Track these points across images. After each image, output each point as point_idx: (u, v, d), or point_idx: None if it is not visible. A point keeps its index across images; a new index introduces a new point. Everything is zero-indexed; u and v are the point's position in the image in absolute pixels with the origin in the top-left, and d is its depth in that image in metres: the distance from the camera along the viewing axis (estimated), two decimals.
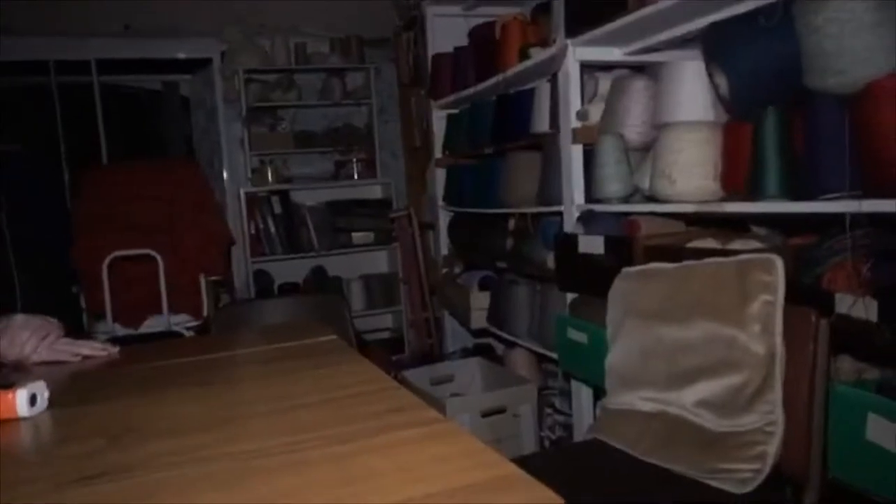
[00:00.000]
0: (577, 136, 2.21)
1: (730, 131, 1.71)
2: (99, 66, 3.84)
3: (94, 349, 1.32)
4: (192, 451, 0.76)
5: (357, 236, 4.22)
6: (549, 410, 2.71)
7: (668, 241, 1.82)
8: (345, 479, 0.66)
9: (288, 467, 0.70)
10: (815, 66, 1.41)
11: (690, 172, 1.75)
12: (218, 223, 3.43)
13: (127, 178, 3.31)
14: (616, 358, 1.70)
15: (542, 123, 2.48)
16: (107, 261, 2.96)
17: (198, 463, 0.73)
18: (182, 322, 3.15)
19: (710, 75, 1.74)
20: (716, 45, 1.68)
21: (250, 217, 3.98)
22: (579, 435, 2.29)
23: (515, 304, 2.76)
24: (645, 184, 1.95)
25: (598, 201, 2.12)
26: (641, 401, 1.60)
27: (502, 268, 2.94)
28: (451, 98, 3.26)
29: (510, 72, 2.62)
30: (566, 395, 2.57)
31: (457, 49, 3.21)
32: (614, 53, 2.19)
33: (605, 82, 2.24)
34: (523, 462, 0.65)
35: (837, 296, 1.33)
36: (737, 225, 1.90)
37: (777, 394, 1.33)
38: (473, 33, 3.05)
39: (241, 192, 3.96)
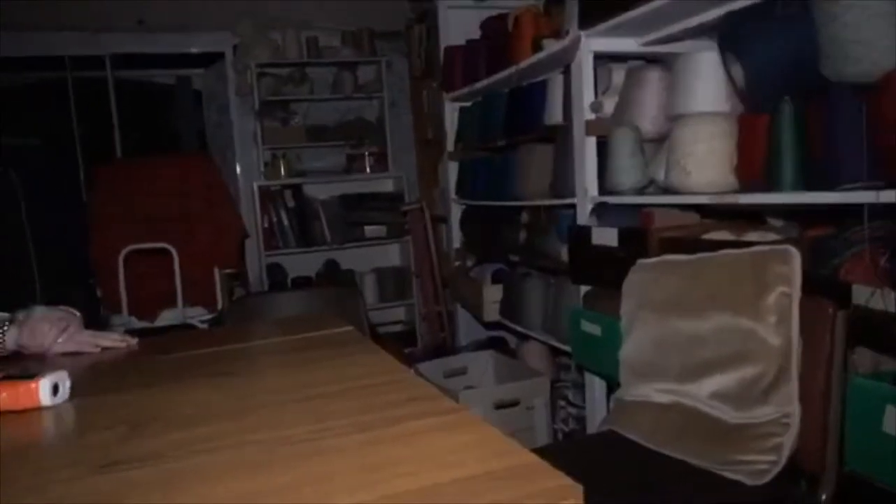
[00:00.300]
0: (590, 127, 2.20)
1: (745, 122, 1.70)
2: (113, 61, 3.88)
3: (114, 340, 1.34)
4: (217, 439, 0.77)
5: (369, 230, 4.24)
6: (562, 403, 2.71)
7: (682, 233, 1.82)
8: (369, 465, 0.67)
9: (313, 455, 0.71)
10: (832, 55, 1.40)
11: (706, 164, 1.74)
12: (231, 216, 3.46)
13: (141, 172, 3.35)
14: (631, 350, 1.70)
15: (555, 115, 2.47)
16: (122, 254, 3.00)
17: (223, 451, 0.74)
18: (197, 315, 3.18)
19: (726, 65, 1.73)
20: (732, 34, 1.67)
21: (263, 211, 4.00)
22: (592, 427, 2.30)
23: (528, 297, 2.76)
24: (660, 175, 1.94)
25: (612, 193, 2.11)
26: (656, 392, 1.60)
27: (515, 261, 2.93)
28: (464, 91, 3.25)
29: (523, 64, 2.61)
30: (579, 387, 2.57)
31: (469, 41, 3.20)
32: (628, 44, 2.17)
33: (618, 73, 2.23)
34: (537, 454, 0.66)
35: (855, 287, 1.32)
36: (752, 217, 1.89)
37: (793, 386, 1.33)
38: (486, 25, 3.04)
39: (255, 185, 3.99)
